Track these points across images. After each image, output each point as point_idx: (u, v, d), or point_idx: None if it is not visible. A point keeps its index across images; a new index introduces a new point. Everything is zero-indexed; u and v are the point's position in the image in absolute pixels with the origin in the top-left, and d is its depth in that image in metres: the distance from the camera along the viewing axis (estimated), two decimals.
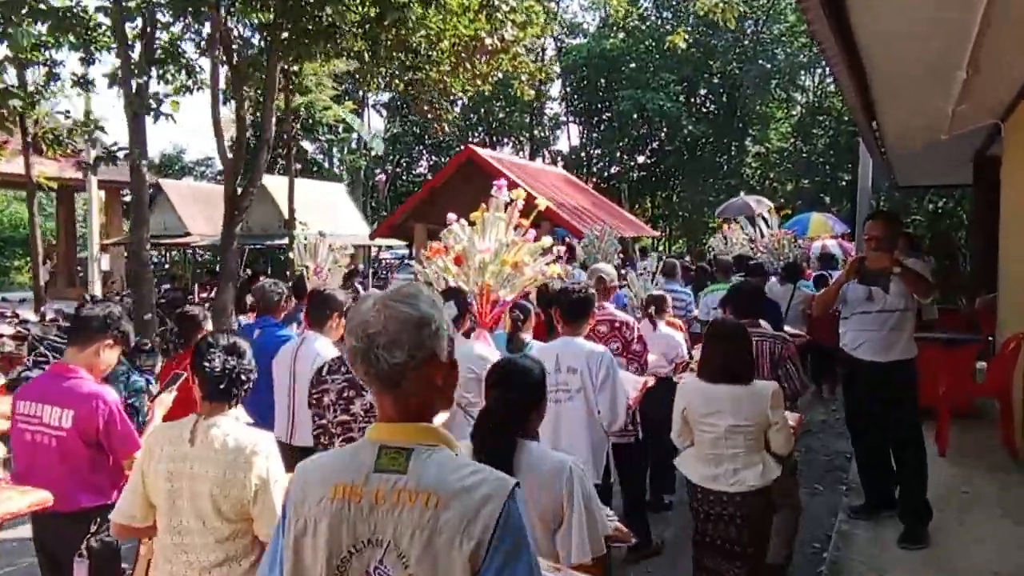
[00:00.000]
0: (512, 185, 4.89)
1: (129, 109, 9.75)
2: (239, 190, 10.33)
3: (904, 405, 4.73)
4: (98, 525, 3.16)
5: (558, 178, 20.20)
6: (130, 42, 9.88)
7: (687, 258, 16.93)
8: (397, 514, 1.37)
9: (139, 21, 10.06)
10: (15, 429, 3.32)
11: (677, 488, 5.58)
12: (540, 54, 38.46)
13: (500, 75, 13.49)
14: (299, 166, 20.65)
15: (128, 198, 15.93)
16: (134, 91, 9.73)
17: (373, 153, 24.52)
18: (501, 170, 12.89)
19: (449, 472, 1.39)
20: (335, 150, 29.24)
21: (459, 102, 36.82)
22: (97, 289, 16.50)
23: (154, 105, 9.66)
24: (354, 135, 23.33)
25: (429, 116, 14.39)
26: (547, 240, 4.89)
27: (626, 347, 4.84)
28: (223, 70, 10.75)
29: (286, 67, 11.45)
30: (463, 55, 11.59)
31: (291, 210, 15.13)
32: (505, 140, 38.03)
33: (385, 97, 32.48)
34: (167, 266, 23.14)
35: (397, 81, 12.59)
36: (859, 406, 5.04)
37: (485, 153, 14.99)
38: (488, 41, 10.82)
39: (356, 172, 29.55)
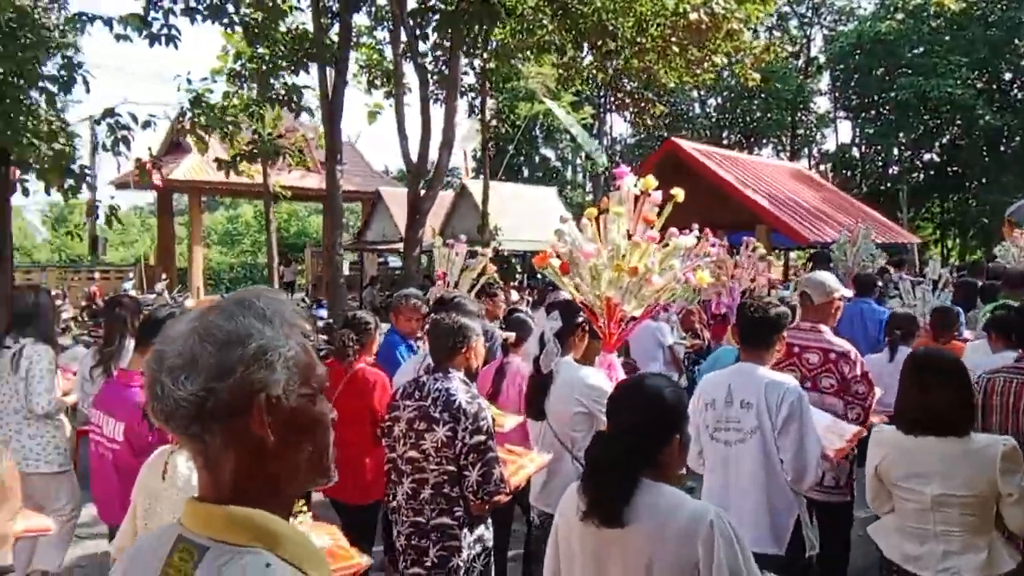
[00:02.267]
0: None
1: (328, 124, 10.00)
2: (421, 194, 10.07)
3: None
4: None
5: (790, 174, 17.81)
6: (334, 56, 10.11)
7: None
8: None
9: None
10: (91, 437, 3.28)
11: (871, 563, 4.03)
12: (805, 44, 35.25)
13: (721, 60, 11.85)
14: (526, 173, 20.42)
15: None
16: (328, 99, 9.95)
17: (594, 165, 23.72)
18: (706, 164, 11.29)
19: None
20: (570, 155, 29.00)
21: (711, 100, 35.10)
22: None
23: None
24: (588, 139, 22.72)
25: (632, 110, 13.17)
26: (685, 240, 3.82)
27: (844, 385, 3.66)
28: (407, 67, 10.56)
29: (482, 66, 11.02)
30: (671, 37, 10.26)
31: (484, 215, 14.78)
32: (764, 140, 35.32)
33: None
34: (394, 272, 24.22)
35: (599, 72, 11.60)
36: None
37: (688, 146, 13.27)
38: (693, 16, 9.39)
39: (596, 179, 29.03)
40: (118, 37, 7.65)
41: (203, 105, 8.94)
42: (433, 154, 9.97)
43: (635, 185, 3.64)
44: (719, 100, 35.03)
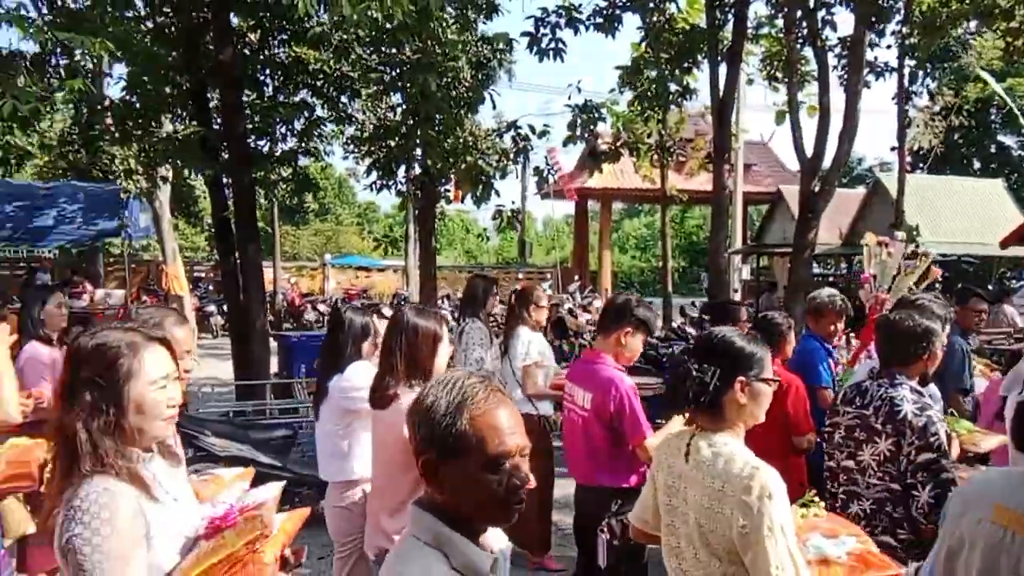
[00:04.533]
0: None
1: (718, 121, 9.67)
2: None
3: None
4: (619, 505, 3.23)
5: None
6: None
7: None
8: None
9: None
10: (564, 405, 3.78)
11: None
12: None
13: None
14: (977, 164, 17.29)
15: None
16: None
17: None
18: None
19: None
20: None
21: None
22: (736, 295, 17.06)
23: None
24: None
25: None
26: None
27: None
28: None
29: (900, 40, 9.55)
30: None
31: (898, 212, 12.64)
32: None
33: None
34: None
35: None
36: None
37: None
38: None
39: None
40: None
41: (591, 111, 9.32)
42: (832, 146, 8.98)
43: None
44: None
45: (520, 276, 23.39)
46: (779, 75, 11.79)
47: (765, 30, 11.62)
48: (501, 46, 8.82)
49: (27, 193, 15.71)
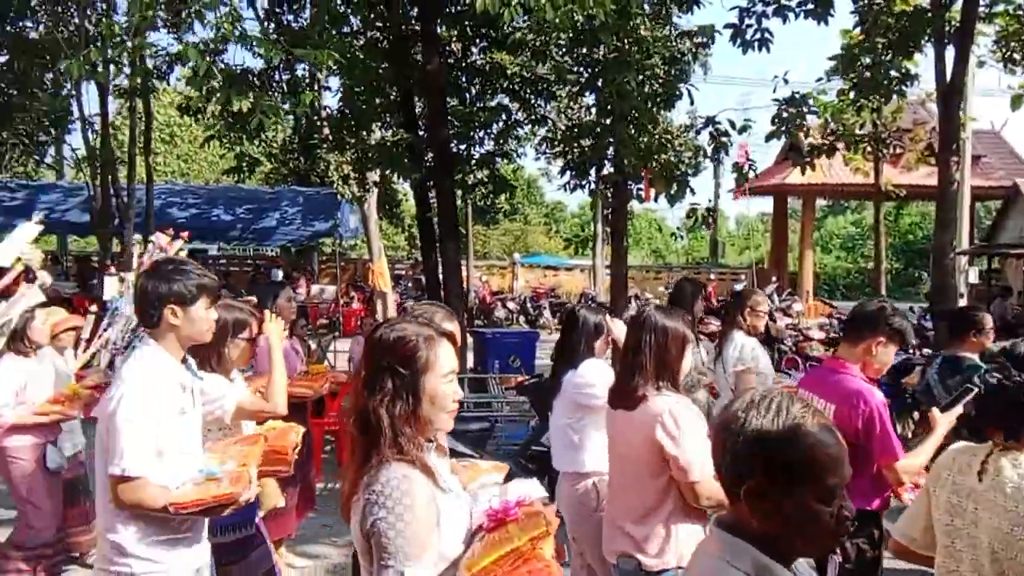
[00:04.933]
0: None
1: (944, 108, 8.76)
2: None
3: None
4: (856, 528, 3.05)
5: None
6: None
7: None
8: None
9: None
10: None
11: None
12: None
13: None
14: None
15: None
16: None
17: None
18: None
19: None
20: None
21: None
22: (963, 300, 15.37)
23: None
24: None
25: None
26: None
27: None
28: None
29: None
30: None
31: None
32: None
33: None
34: None
35: None
36: None
37: None
38: None
39: None
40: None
41: (799, 103, 8.76)
42: None
43: None
44: None
45: (712, 277, 22.61)
46: (1017, 56, 10.50)
47: (1001, 7, 10.34)
48: (702, 40, 8.52)
49: (254, 197, 17.55)
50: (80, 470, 4.77)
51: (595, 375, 3.43)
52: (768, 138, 9.35)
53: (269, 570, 3.37)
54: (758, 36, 8.04)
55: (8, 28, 12.72)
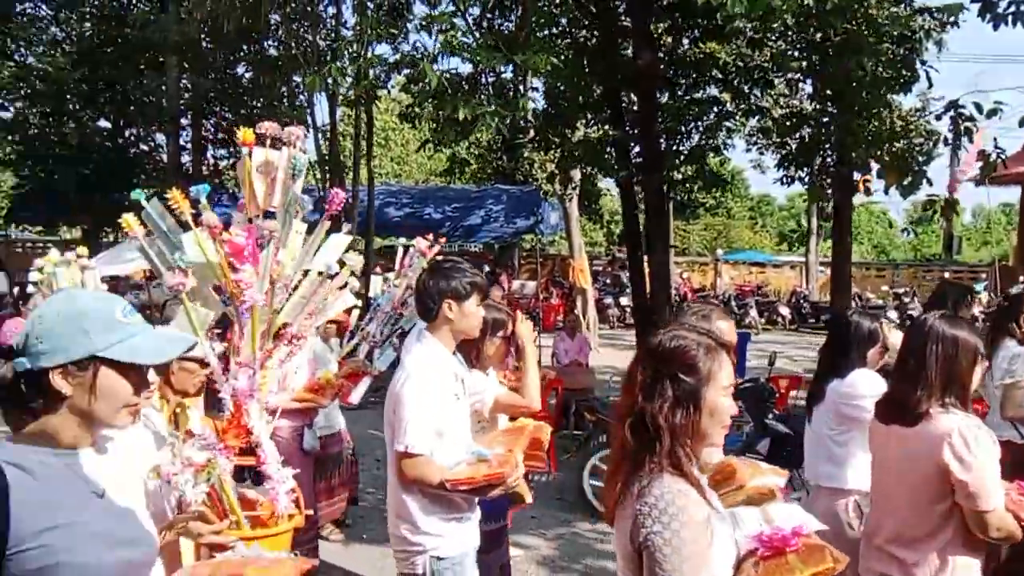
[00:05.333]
0: None
1: None
2: None
3: None
4: None
5: None
6: None
7: None
8: None
9: None
10: None
11: None
12: None
13: None
14: None
15: None
16: None
17: None
18: None
19: None
20: None
21: None
22: None
23: None
24: None
25: None
26: None
27: None
28: None
29: None
30: None
31: None
32: None
33: None
34: None
35: None
36: None
37: None
38: None
39: None
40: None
41: None
42: None
43: None
44: None
45: (946, 275, 20.39)
46: None
47: None
48: (943, 18, 7.61)
49: (462, 196, 18.29)
50: (335, 447, 5.26)
51: (866, 386, 3.15)
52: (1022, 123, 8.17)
53: (506, 563, 3.47)
54: (1012, 10, 7.01)
55: (253, 47, 14.18)
